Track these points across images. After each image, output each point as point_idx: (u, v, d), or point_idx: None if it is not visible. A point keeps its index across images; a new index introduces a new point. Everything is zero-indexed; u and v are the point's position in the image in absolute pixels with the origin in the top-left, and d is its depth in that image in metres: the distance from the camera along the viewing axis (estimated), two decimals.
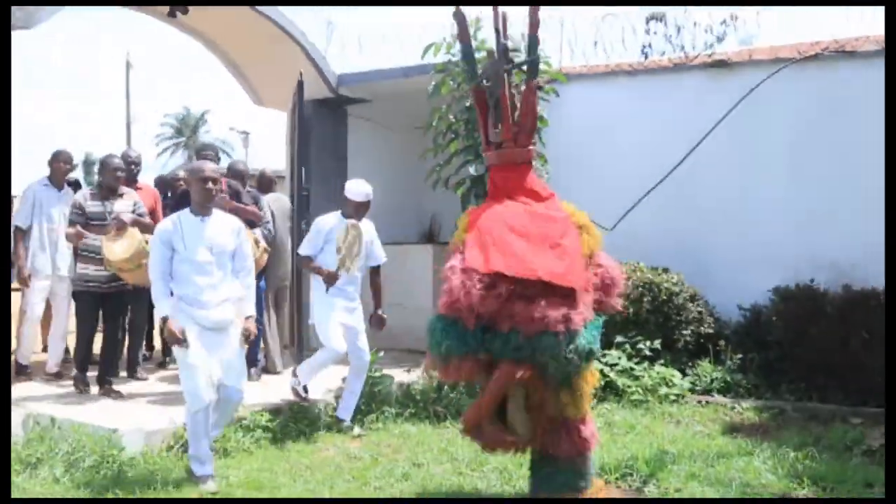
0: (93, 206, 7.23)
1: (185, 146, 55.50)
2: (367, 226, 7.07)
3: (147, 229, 6.97)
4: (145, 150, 39.43)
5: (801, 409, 7.68)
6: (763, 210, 9.08)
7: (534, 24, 5.15)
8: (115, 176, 7.40)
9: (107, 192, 7.35)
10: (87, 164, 53.00)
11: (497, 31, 5.15)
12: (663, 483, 5.51)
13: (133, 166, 8.30)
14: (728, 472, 5.69)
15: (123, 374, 8.04)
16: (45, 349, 8.88)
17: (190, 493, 5.23)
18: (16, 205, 8.22)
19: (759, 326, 8.66)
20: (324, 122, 10.47)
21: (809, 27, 9.16)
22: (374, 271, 7.38)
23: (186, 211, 5.54)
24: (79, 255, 7.35)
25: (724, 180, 9.23)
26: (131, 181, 8.16)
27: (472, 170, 8.26)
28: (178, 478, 5.48)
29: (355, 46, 10.83)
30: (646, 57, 9.82)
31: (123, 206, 7.30)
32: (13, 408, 6.37)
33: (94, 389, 7.33)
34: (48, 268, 7.93)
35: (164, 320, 5.32)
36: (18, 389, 7.27)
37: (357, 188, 7.04)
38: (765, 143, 9.09)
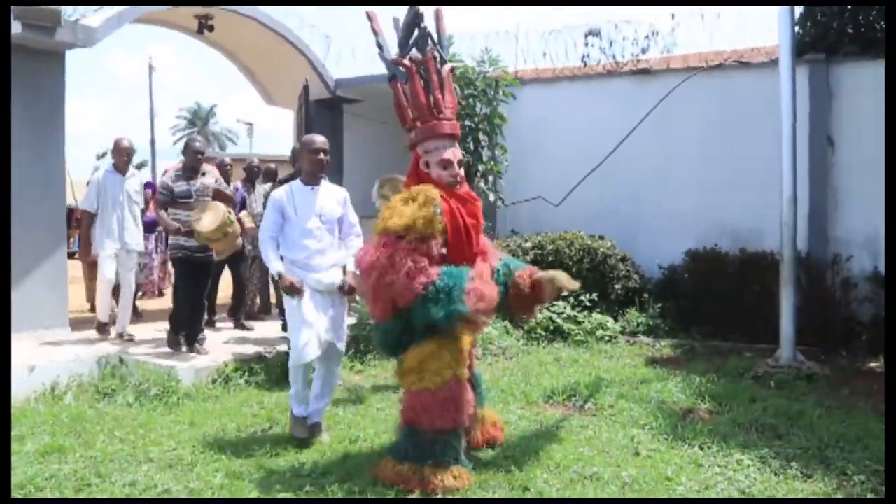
0: (179, 186, 6.77)
1: (198, 134, 54.76)
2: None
3: (227, 200, 6.77)
4: (163, 138, 38.97)
5: (706, 346, 8.10)
6: (678, 188, 9.43)
7: (441, 25, 4.61)
8: (196, 157, 6.90)
9: (190, 171, 6.87)
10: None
11: (375, 32, 4.65)
12: (599, 401, 5.84)
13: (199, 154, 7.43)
14: (648, 393, 6.06)
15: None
16: (91, 308, 9.13)
17: (230, 402, 5.59)
18: (84, 191, 7.84)
19: (675, 282, 9.05)
20: (324, 118, 10.62)
21: (718, 37, 9.45)
22: None
23: (298, 181, 5.10)
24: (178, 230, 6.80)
25: (648, 165, 9.56)
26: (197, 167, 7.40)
27: None
28: (226, 402, 5.80)
29: (349, 56, 11.07)
30: (584, 65, 10.12)
31: (208, 181, 6.93)
32: (89, 349, 6.72)
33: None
34: (116, 243, 7.45)
35: (280, 276, 4.85)
36: (92, 338, 7.53)
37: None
38: (679, 135, 9.45)
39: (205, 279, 7.02)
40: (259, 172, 8.93)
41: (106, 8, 7.91)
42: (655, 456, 4.60)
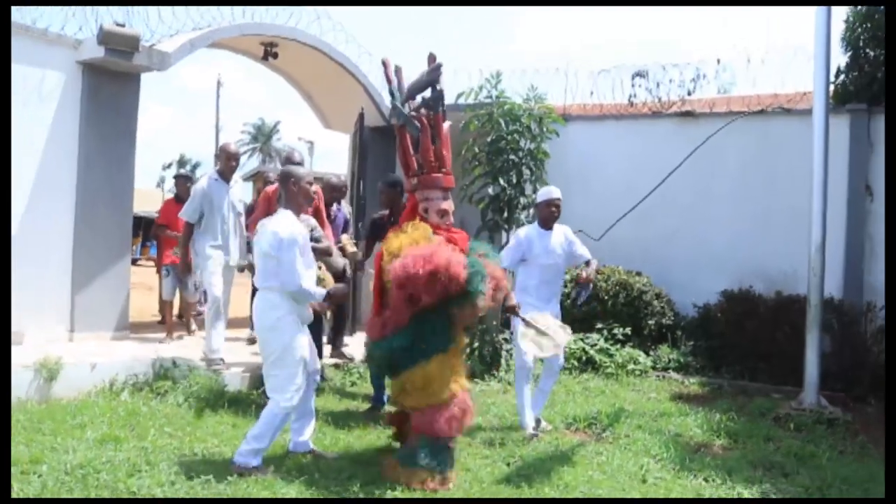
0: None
1: (260, 150, 56.18)
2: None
3: (324, 253, 6.03)
4: None
5: (734, 385, 8.29)
6: (715, 229, 9.67)
7: (434, 71, 4.96)
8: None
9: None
10: (181, 163, 53.82)
11: (389, 80, 5.14)
12: (617, 430, 6.14)
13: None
14: (666, 426, 6.35)
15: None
16: (162, 321, 9.43)
17: None
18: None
19: (708, 320, 9.25)
20: (377, 145, 11.04)
21: (764, 80, 9.66)
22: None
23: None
24: None
25: (686, 204, 9.83)
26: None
27: (490, 190, 8.94)
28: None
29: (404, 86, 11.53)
30: (631, 105, 10.45)
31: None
32: (148, 352, 7.26)
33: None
34: (220, 255, 7.10)
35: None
36: (151, 339, 8.11)
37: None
38: (717, 177, 9.71)
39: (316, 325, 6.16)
40: (345, 192, 8.30)
41: (180, 34, 8.55)
42: (660, 484, 4.89)
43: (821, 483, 5.04)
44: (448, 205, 4.89)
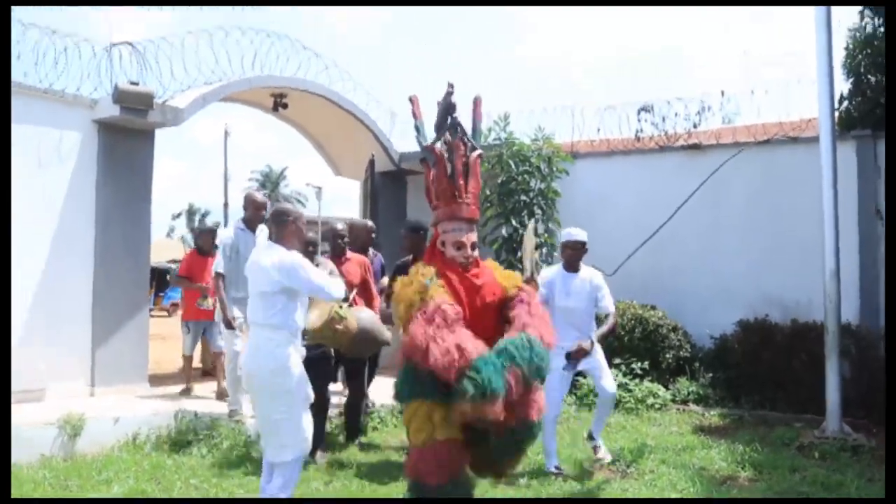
0: None
1: (269, 197, 56.51)
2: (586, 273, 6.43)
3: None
4: (236, 199, 40.37)
5: (755, 415, 8.25)
6: (727, 260, 9.69)
7: (477, 113, 4.86)
8: (307, 251, 5.72)
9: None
10: (191, 213, 54.36)
11: (415, 115, 4.84)
12: (641, 466, 6.13)
13: (339, 239, 6.88)
14: (690, 460, 6.33)
15: None
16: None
17: None
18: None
19: (725, 351, 9.21)
20: (388, 189, 11.19)
21: (768, 110, 9.75)
22: None
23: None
24: None
25: (697, 237, 9.86)
26: (339, 254, 6.81)
27: (503, 231, 9.03)
28: None
29: (412, 130, 11.69)
30: (638, 140, 10.53)
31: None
32: (169, 405, 7.30)
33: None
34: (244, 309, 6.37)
35: None
36: (170, 391, 8.16)
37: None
38: (728, 207, 9.75)
39: (325, 384, 6.19)
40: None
41: (192, 89, 8.74)
42: None
43: None
44: (467, 237, 4.47)
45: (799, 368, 8.37)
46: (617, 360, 9.09)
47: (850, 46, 9.43)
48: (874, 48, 9.19)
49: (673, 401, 8.81)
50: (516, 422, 4.00)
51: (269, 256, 4.59)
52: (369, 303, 6.74)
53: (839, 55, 9.60)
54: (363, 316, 5.98)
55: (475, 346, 3.91)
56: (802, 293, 8.86)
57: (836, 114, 8.70)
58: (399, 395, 4.32)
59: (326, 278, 4.83)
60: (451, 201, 4.50)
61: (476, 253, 4.52)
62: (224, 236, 7.03)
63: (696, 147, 10.03)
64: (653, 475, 5.91)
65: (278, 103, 10.38)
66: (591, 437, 6.51)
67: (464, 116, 4.74)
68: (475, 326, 4.21)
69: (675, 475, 5.86)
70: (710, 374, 9.06)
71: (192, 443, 6.43)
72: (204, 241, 9.27)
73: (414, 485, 4.20)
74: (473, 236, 4.55)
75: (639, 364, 9.03)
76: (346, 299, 5.78)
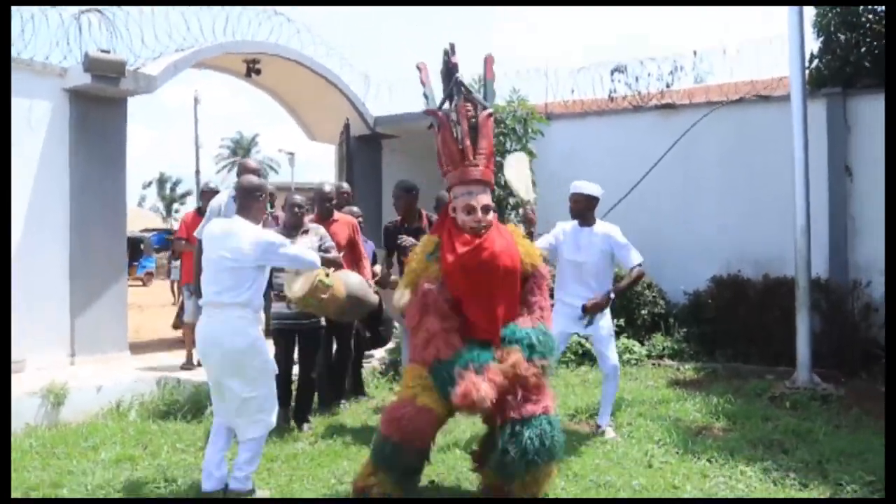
0: None
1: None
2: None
3: (331, 264, 5.63)
4: (207, 166, 40.03)
5: (729, 368, 8.45)
6: (702, 217, 9.84)
7: (488, 71, 4.73)
8: (294, 213, 6.01)
9: (290, 229, 5.93)
10: (161, 181, 53.77)
11: (423, 83, 4.68)
12: (619, 419, 6.28)
13: (327, 202, 6.72)
14: (666, 412, 6.51)
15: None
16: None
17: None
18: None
19: (699, 307, 9.43)
20: (363, 153, 11.20)
21: (738, 70, 9.86)
22: None
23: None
24: (274, 296, 6.07)
25: (671, 195, 9.99)
26: (327, 216, 6.67)
27: None
28: None
29: (387, 93, 11.71)
30: (612, 100, 10.63)
31: (308, 242, 5.81)
32: (150, 372, 7.34)
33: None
34: None
35: None
36: (153, 360, 8.17)
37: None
38: (702, 166, 9.88)
39: (313, 352, 6.23)
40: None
41: (164, 56, 8.66)
42: (666, 468, 5.04)
43: (819, 457, 5.21)
44: (476, 199, 4.28)
45: (771, 322, 8.58)
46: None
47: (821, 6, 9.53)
48: (844, 6, 9.30)
49: (649, 356, 8.99)
50: (515, 417, 4.09)
51: (242, 232, 4.45)
52: (357, 263, 6.62)
53: (809, 13, 9.71)
54: (350, 280, 5.74)
55: (436, 348, 4.19)
56: (774, 249, 9.04)
57: (807, 72, 8.81)
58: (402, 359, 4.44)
59: (303, 250, 4.80)
60: (460, 164, 4.36)
61: (491, 216, 4.33)
62: (214, 203, 6.50)
63: (669, 106, 10.12)
64: (630, 427, 6.08)
65: (251, 69, 10.32)
66: (597, 427, 6.03)
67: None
68: (480, 297, 4.24)
69: (652, 427, 6.03)
70: (685, 330, 9.25)
71: (176, 408, 6.48)
72: (206, 202, 8.83)
73: (378, 435, 4.24)
74: (486, 198, 4.36)
75: (615, 321, 9.06)
76: (338, 266, 5.76)
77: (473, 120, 4.41)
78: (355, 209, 7.50)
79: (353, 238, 6.77)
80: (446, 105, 4.58)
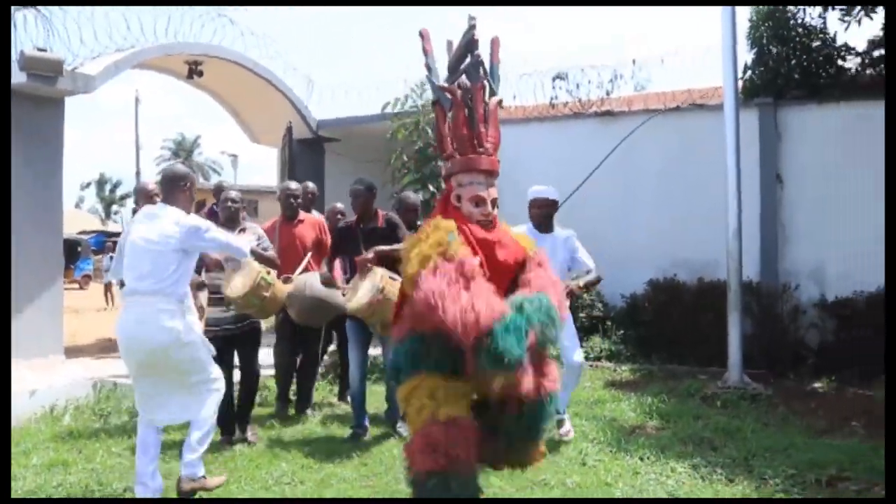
0: None
1: (184, 164, 55.19)
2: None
3: (268, 262, 5.41)
4: (148, 169, 39.42)
5: (664, 369, 8.66)
6: (638, 223, 10.04)
7: (495, 55, 4.21)
8: (227, 207, 5.72)
9: (225, 225, 5.53)
10: (101, 182, 52.61)
11: (425, 52, 4.22)
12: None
13: (293, 199, 6.51)
14: (602, 412, 6.67)
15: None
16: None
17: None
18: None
19: (636, 309, 9.63)
20: (306, 157, 11.17)
21: (677, 79, 10.15)
22: None
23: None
24: (210, 298, 5.68)
25: (610, 200, 10.15)
26: (292, 215, 6.46)
27: (420, 196, 9.14)
28: None
29: (330, 97, 11.73)
30: (552, 107, 10.79)
31: (250, 240, 5.39)
32: (87, 376, 7.24)
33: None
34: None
35: None
36: (89, 364, 8.02)
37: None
38: (640, 172, 10.07)
39: (253, 357, 5.89)
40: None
41: (103, 56, 8.54)
42: (599, 465, 5.17)
43: (746, 453, 5.38)
44: (487, 191, 3.90)
45: (705, 325, 8.79)
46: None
47: (754, 18, 9.85)
48: (776, 20, 9.63)
49: (586, 358, 8.99)
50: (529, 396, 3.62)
51: (166, 216, 4.30)
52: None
53: (743, 26, 10.02)
54: (316, 282, 5.64)
55: (497, 306, 3.44)
56: (708, 254, 9.26)
57: (741, 82, 9.10)
58: (396, 372, 3.78)
59: (232, 237, 4.59)
60: (470, 150, 3.96)
61: (496, 211, 3.99)
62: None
63: (608, 114, 10.31)
64: None
65: (193, 70, 10.23)
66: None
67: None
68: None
69: (587, 426, 6.17)
70: (622, 332, 9.44)
71: (111, 411, 6.41)
72: (142, 200, 8.34)
73: (413, 480, 3.65)
74: (494, 191, 4.00)
75: None
76: (275, 266, 5.49)
77: (485, 105, 4.02)
78: (339, 205, 7.36)
79: (320, 239, 6.56)
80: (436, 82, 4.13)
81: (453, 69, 4.13)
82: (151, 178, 7.88)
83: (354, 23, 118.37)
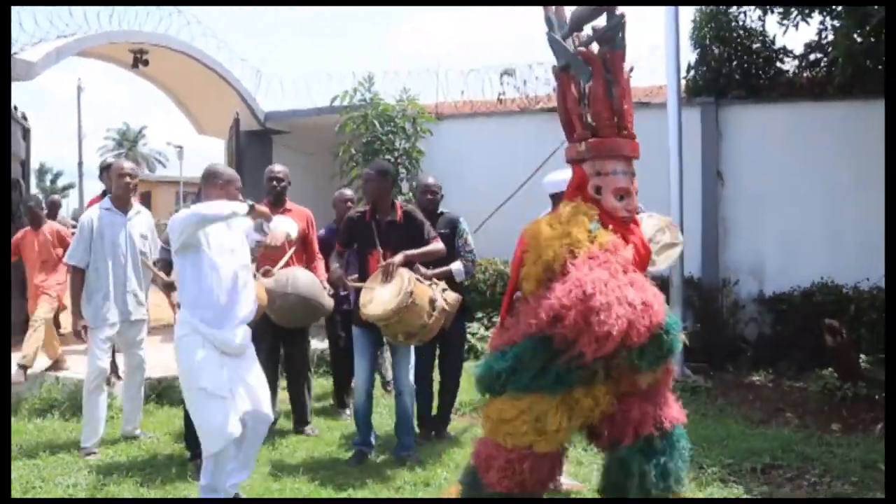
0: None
1: (126, 157, 54.25)
2: None
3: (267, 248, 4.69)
4: (91, 160, 38.60)
5: None
6: None
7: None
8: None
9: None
10: (42, 172, 51.29)
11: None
12: None
13: (276, 182, 5.83)
14: None
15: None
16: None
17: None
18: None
19: None
20: (254, 149, 11.06)
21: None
22: None
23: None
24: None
25: None
26: (278, 202, 5.77)
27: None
28: (158, 416, 6.24)
29: (278, 90, 11.66)
30: (500, 102, 10.86)
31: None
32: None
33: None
34: (115, 314, 5.41)
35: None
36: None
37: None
38: None
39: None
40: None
41: (44, 42, 8.35)
42: None
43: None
44: (634, 184, 3.40)
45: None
46: (479, 314, 9.47)
47: (697, 20, 10.07)
48: (718, 22, 9.87)
49: None
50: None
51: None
52: (310, 262, 5.84)
53: (686, 27, 10.23)
54: (300, 277, 5.11)
55: (660, 301, 3.10)
56: None
57: (683, 82, 9.30)
58: (502, 384, 3.25)
59: (222, 202, 4.06)
60: (612, 132, 3.37)
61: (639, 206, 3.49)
62: (82, 218, 5.55)
63: (555, 110, 10.35)
64: None
65: (138, 59, 10.05)
66: None
67: None
68: None
69: None
70: None
71: (53, 407, 6.29)
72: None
73: (473, 479, 3.40)
74: (636, 182, 3.44)
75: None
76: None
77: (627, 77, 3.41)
78: (348, 191, 6.93)
79: (306, 232, 5.80)
80: (569, 45, 3.43)
81: (577, 24, 3.42)
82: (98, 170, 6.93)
83: (305, 15, 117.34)
